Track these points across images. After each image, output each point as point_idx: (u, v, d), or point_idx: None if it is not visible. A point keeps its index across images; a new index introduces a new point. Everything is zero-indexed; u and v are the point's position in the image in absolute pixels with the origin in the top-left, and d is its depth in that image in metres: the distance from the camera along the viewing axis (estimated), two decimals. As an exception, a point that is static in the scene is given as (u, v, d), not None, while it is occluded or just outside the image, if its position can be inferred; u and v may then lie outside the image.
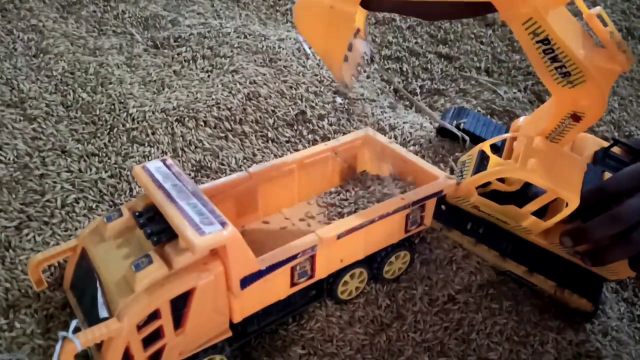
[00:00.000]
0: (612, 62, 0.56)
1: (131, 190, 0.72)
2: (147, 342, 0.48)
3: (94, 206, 0.69)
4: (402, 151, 0.71)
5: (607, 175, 0.66)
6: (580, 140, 0.74)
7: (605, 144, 0.73)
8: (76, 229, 0.66)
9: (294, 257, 0.54)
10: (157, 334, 0.49)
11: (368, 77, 1.05)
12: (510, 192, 0.69)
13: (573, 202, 0.61)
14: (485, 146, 0.71)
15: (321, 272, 0.59)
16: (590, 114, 0.61)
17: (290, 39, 1.02)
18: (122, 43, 0.97)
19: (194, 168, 0.78)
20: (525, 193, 0.68)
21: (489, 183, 0.69)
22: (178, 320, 0.49)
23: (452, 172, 0.74)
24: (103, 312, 0.48)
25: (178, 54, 0.96)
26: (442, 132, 0.88)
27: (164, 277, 0.48)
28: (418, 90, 1.04)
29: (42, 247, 0.63)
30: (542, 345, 0.64)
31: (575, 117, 0.61)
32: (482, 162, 0.69)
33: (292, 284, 0.57)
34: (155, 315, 0.47)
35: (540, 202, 0.64)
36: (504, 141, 0.75)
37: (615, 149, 0.73)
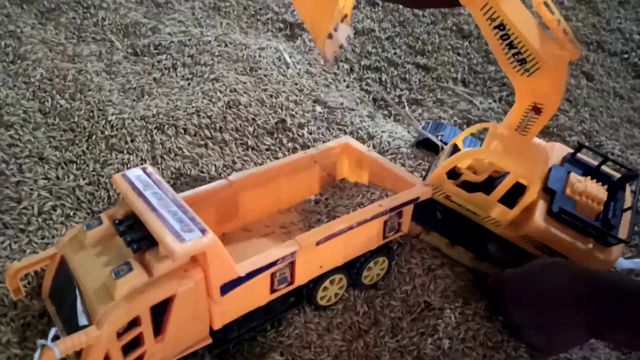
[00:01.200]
0: (562, 49, 0.61)
1: (109, 197, 0.72)
2: (127, 349, 0.48)
3: (71, 214, 0.68)
4: (380, 159, 0.73)
5: (573, 175, 0.69)
6: (550, 147, 0.77)
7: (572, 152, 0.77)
8: (53, 236, 0.65)
9: (274, 263, 0.54)
10: (137, 342, 0.49)
11: (348, 86, 1.07)
12: (480, 184, 0.71)
13: (534, 184, 0.65)
14: (458, 140, 0.74)
15: (301, 279, 0.60)
16: (548, 105, 0.64)
17: (270, 48, 1.03)
18: (102, 50, 0.96)
19: (174, 176, 0.78)
20: (492, 185, 0.70)
21: (460, 176, 0.72)
22: (158, 327, 0.50)
23: (424, 178, 0.76)
24: (82, 320, 0.48)
25: (158, 62, 0.96)
26: (420, 144, 0.90)
27: (144, 284, 0.48)
28: (405, 101, 1.06)
29: (18, 255, 0.62)
30: (516, 351, 0.66)
31: (537, 110, 0.65)
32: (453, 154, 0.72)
33: (272, 290, 0.58)
34: (135, 322, 0.48)
35: (505, 187, 0.67)
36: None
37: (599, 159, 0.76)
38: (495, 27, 0.60)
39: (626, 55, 1.30)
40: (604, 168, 0.74)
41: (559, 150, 0.77)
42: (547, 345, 0.65)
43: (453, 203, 0.71)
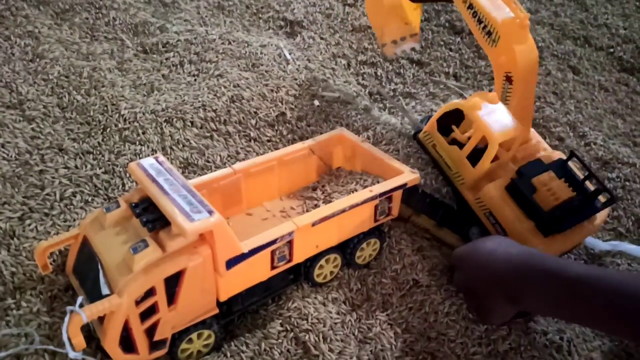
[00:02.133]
0: (514, 18, 0.71)
1: (124, 185, 0.78)
2: (144, 316, 0.55)
3: (89, 199, 0.75)
4: (371, 149, 0.79)
5: (550, 172, 0.74)
6: (549, 153, 0.82)
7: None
8: (74, 219, 0.71)
9: (274, 242, 0.61)
10: (153, 310, 0.55)
11: (345, 81, 1.12)
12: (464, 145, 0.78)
13: (493, 140, 0.72)
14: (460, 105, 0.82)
15: (299, 257, 0.66)
16: (515, 73, 0.73)
17: (271, 45, 1.09)
18: (114, 48, 1.02)
19: (182, 165, 0.84)
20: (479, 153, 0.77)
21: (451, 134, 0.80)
22: (171, 297, 0.56)
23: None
24: (105, 290, 0.55)
25: (166, 59, 1.02)
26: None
27: (158, 259, 0.54)
28: (400, 97, 1.12)
29: (43, 236, 0.68)
30: (495, 323, 0.72)
31: (509, 79, 0.74)
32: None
33: (273, 267, 0.64)
34: (151, 292, 0.54)
35: (472, 143, 0.75)
36: None
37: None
38: (468, 7, 0.73)
39: (612, 50, 1.35)
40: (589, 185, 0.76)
41: (557, 157, 0.81)
42: (481, 314, 0.72)
43: (436, 154, 0.80)
